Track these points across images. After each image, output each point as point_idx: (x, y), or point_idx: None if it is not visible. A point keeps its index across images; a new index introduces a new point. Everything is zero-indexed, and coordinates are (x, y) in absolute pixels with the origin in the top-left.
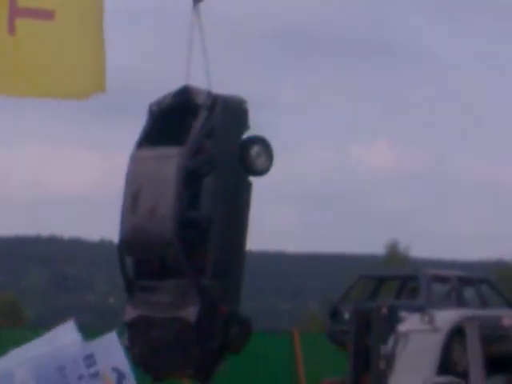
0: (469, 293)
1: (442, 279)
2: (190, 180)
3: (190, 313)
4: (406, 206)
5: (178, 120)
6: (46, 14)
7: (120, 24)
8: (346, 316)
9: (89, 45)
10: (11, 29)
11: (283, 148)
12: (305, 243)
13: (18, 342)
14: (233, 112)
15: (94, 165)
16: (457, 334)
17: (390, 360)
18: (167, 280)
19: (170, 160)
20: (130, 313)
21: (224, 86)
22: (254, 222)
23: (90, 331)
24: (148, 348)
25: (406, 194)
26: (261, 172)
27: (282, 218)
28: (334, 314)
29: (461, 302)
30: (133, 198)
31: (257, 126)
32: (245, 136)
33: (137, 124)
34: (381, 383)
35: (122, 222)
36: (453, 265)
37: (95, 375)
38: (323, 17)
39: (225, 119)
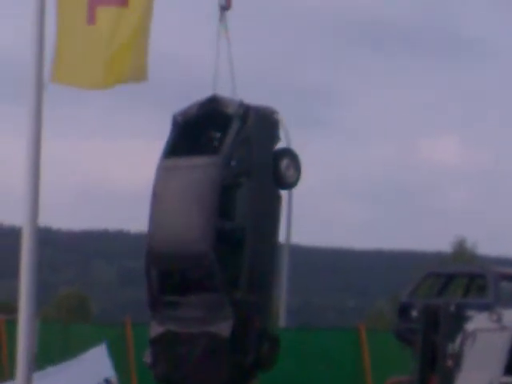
0: None
1: (510, 277)
2: (224, 191)
3: (223, 328)
4: (474, 203)
5: (205, 130)
6: (121, 1)
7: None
8: (414, 313)
9: (149, 29)
10: (91, 19)
11: (349, 142)
12: (372, 240)
13: (84, 337)
14: (265, 123)
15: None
16: None
17: (458, 359)
18: (195, 294)
19: (203, 170)
20: (156, 329)
21: (292, 78)
22: (321, 219)
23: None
24: (174, 365)
25: (474, 190)
26: (290, 185)
27: (348, 215)
28: (402, 311)
29: None
30: (164, 208)
31: (323, 119)
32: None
33: None
34: (448, 382)
35: (152, 233)
36: None
37: None
38: (391, 13)
39: (258, 130)
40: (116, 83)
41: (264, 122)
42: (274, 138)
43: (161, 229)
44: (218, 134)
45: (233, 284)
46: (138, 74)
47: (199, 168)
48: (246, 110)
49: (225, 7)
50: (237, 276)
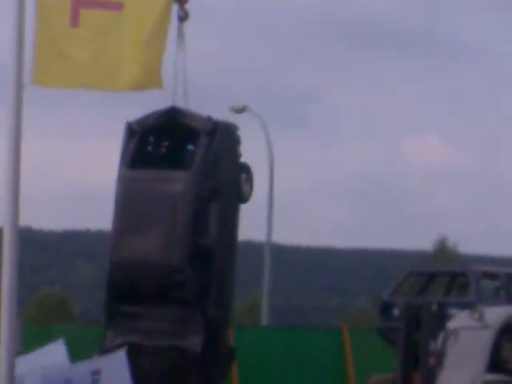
0: None
1: (492, 276)
2: (198, 206)
3: (194, 342)
4: (456, 202)
5: (164, 141)
6: (114, 6)
7: None
8: (396, 312)
9: (153, 37)
10: (74, 21)
11: (334, 143)
12: (354, 239)
13: (66, 337)
14: (231, 139)
15: None
16: (506, 331)
17: (440, 357)
18: (160, 307)
19: (177, 184)
20: (112, 339)
21: (277, 78)
22: (303, 218)
23: None
24: (135, 377)
25: (456, 189)
26: (245, 200)
27: (331, 214)
28: (384, 309)
29: (510, 299)
30: (134, 219)
31: (308, 119)
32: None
33: None
34: (430, 380)
35: (119, 243)
36: (502, 261)
37: None
38: (377, 11)
39: (225, 146)
40: (112, 88)
41: (230, 138)
42: (238, 153)
43: (130, 239)
44: (178, 146)
45: (203, 299)
46: (145, 80)
47: (173, 182)
48: (215, 126)
49: (182, 18)
50: (206, 291)
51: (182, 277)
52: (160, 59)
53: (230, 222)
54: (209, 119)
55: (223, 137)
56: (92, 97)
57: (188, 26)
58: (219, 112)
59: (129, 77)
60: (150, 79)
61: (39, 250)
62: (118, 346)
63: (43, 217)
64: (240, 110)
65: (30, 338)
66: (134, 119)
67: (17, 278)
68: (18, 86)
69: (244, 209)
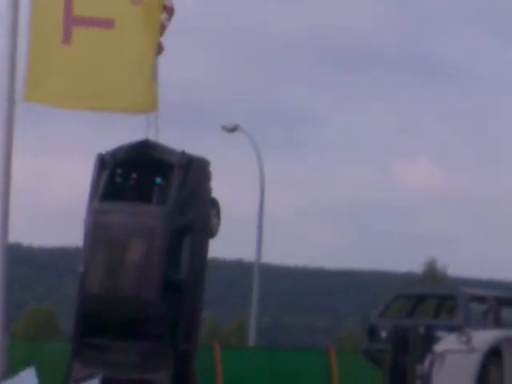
0: (506, 313)
1: (480, 299)
2: (172, 240)
3: (163, 377)
4: (445, 225)
5: (133, 173)
6: (106, 23)
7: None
8: (383, 334)
9: (146, 58)
10: (66, 38)
11: (324, 164)
12: (343, 260)
13: (54, 354)
14: (204, 174)
15: None
16: (494, 354)
17: (426, 380)
18: (129, 340)
19: (151, 218)
20: (79, 371)
21: (270, 101)
22: (292, 239)
23: None
24: None
25: (445, 212)
26: (213, 234)
27: (320, 235)
28: (372, 331)
29: (498, 323)
30: (106, 252)
31: (298, 141)
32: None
33: (196, 141)
34: None
35: (91, 277)
36: (490, 284)
37: None
38: (367, 34)
39: (200, 181)
40: (101, 107)
41: (203, 174)
42: (209, 189)
43: (102, 272)
44: (146, 179)
45: (173, 333)
46: (136, 103)
47: (147, 215)
48: (189, 160)
49: (157, 51)
50: (176, 325)
51: (155, 311)
52: (153, 82)
53: (200, 256)
54: (183, 154)
55: (197, 172)
56: (83, 112)
57: (188, 45)
58: (211, 130)
59: (121, 97)
60: (143, 102)
61: (28, 267)
62: (89, 377)
63: (33, 233)
64: (232, 130)
65: (17, 354)
66: (105, 151)
67: (7, 294)
68: (10, 103)
69: (235, 228)
